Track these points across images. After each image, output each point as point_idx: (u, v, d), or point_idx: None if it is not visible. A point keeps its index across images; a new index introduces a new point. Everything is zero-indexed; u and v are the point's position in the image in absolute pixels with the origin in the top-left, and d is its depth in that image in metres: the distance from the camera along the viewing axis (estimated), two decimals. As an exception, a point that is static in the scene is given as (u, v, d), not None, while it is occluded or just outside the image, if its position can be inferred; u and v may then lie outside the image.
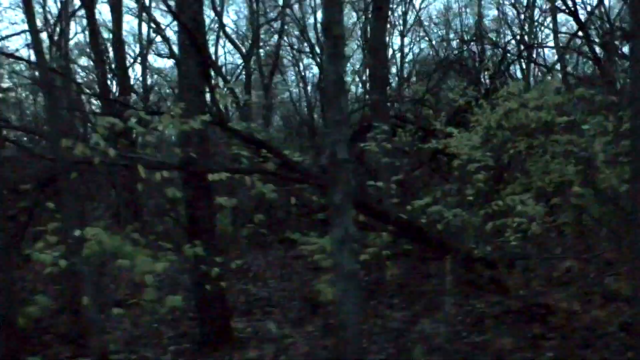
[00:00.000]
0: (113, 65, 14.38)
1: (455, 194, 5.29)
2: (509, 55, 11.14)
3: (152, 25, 16.91)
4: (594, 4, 13.55)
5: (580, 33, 12.60)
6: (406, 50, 16.84)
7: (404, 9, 17.53)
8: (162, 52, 19.42)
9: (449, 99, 9.49)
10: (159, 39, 17.84)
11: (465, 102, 7.88)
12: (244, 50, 18.29)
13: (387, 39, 18.41)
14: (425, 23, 15.98)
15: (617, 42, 12.51)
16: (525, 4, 15.73)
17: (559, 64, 13.35)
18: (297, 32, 17.12)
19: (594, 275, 4.57)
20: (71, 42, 18.53)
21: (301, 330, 5.45)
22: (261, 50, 17.51)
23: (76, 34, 17.86)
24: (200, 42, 5.13)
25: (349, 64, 16.12)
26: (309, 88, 17.46)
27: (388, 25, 18.47)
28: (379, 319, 4.87)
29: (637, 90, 3.93)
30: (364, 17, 15.01)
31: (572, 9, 14.26)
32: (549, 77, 10.65)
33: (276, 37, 17.24)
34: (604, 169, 4.75)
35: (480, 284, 4.87)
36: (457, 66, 10.53)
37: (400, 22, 17.67)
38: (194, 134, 4.90)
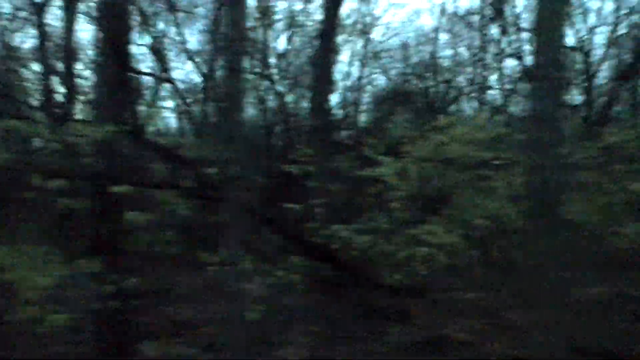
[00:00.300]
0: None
1: (374, 221, 5.27)
2: (453, 92, 11.50)
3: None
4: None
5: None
6: (365, 81, 17.18)
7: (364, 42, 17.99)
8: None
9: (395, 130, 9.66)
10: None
11: (405, 134, 8.00)
12: (204, 70, 18.20)
13: (349, 68, 18.77)
14: (385, 55, 16.41)
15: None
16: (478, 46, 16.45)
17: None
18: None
19: (495, 308, 4.59)
20: (26, 46, 17.99)
21: (212, 354, 5.21)
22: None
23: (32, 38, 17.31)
24: (122, 50, 5.01)
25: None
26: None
27: (346, 55, 18.86)
28: (282, 347, 4.71)
29: (533, 129, 4.06)
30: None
31: (519, 53, 14.99)
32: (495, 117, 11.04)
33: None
34: (503, 205, 4.86)
35: (387, 313, 4.81)
36: (403, 99, 10.77)
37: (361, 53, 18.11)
38: (106, 143, 4.72)
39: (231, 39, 3.34)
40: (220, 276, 3.27)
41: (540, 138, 3.91)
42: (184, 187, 4.90)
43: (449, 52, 17.75)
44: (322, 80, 7.97)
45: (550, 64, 3.85)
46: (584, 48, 15.82)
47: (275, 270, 4.79)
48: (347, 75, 19.98)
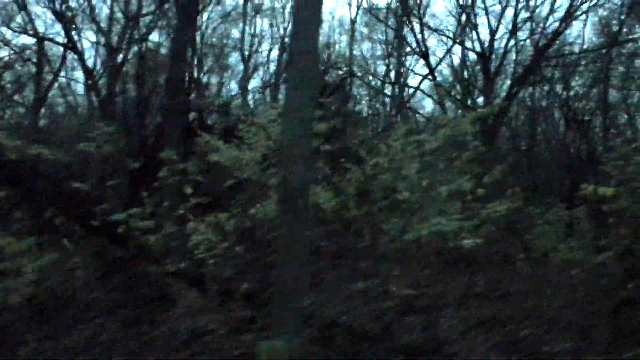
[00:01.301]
0: None
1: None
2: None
3: None
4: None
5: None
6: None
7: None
8: None
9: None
10: None
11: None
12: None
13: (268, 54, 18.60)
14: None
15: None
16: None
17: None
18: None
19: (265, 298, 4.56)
20: None
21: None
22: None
23: None
24: None
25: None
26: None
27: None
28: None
29: (286, 119, 4.04)
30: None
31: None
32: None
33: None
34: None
35: (163, 300, 4.68)
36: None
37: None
38: None
39: None
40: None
41: (288, 129, 3.87)
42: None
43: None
44: (178, 59, 7.69)
45: (304, 52, 3.82)
46: (484, 52, 16.44)
47: (51, 251, 4.53)
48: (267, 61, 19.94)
